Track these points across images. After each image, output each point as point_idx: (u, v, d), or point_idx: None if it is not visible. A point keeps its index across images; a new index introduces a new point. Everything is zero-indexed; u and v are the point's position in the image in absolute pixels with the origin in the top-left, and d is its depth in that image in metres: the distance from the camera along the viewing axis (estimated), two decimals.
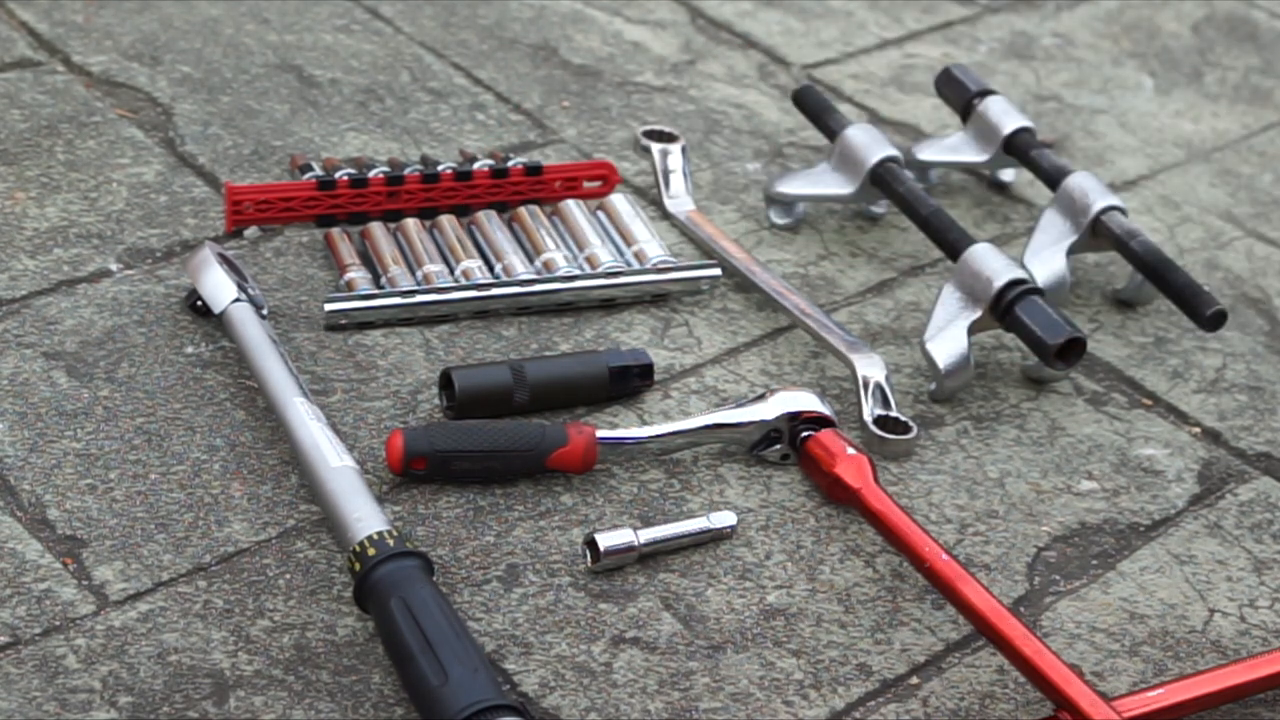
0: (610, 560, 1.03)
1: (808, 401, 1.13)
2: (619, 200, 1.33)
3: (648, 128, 1.44)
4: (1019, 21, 1.76)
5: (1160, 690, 0.97)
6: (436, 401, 1.14)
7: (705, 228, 1.33)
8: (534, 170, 1.32)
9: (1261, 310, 1.36)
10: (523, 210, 1.31)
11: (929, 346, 1.20)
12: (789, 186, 1.36)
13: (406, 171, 1.29)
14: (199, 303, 1.16)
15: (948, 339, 1.19)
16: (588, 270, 1.26)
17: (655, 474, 1.11)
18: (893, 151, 1.35)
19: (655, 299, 1.27)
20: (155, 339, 1.16)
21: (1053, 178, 1.36)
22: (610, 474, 1.10)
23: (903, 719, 0.96)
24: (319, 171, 1.28)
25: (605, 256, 1.27)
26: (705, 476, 1.12)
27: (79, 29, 1.50)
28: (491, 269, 1.25)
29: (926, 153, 1.43)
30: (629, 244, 1.29)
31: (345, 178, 1.27)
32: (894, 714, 0.97)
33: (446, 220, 1.28)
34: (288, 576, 1.00)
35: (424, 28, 1.58)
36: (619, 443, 1.10)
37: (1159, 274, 1.27)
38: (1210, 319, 1.23)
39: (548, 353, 1.20)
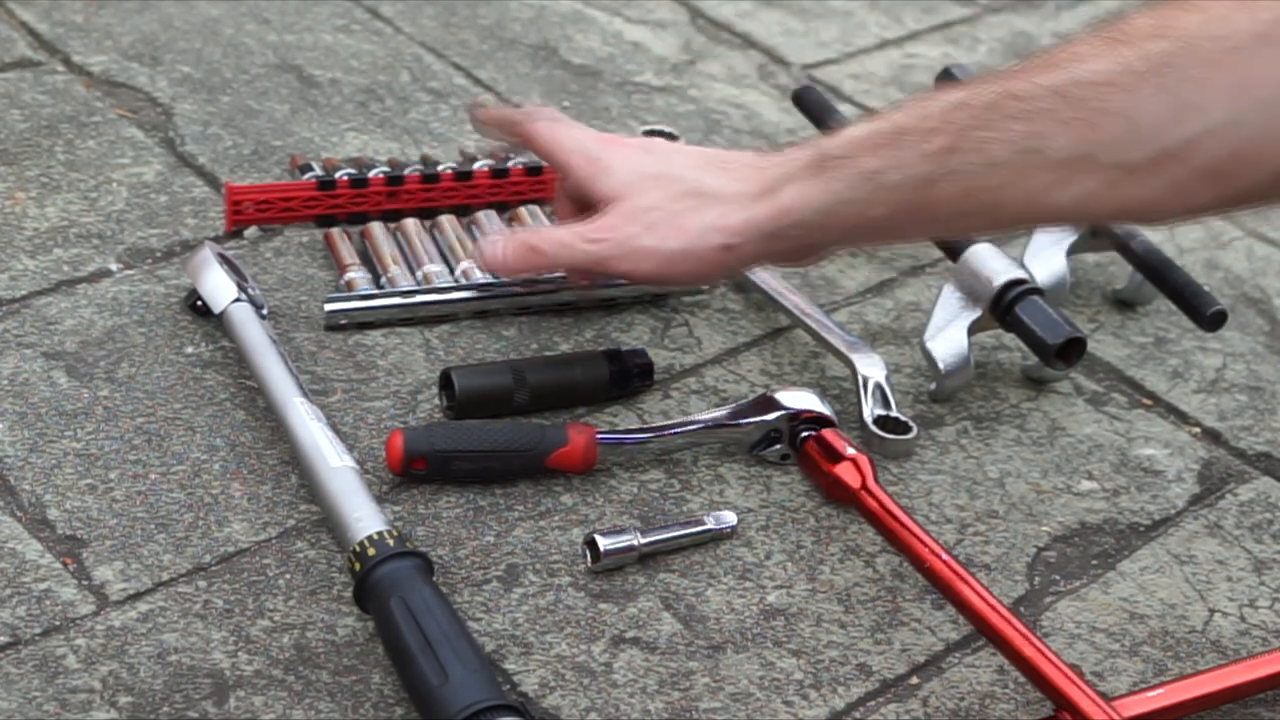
0: (610, 560, 1.03)
1: (808, 401, 1.13)
2: None
3: (648, 128, 1.44)
4: (1019, 21, 1.76)
5: (1160, 690, 0.97)
6: (436, 401, 1.14)
7: None
8: (534, 170, 1.32)
9: (1261, 310, 1.36)
10: (523, 210, 1.31)
11: (929, 346, 1.20)
12: None
13: (406, 171, 1.29)
14: (199, 303, 1.16)
15: (948, 339, 1.19)
16: None
17: (655, 474, 1.11)
18: None
19: (655, 299, 1.27)
20: (155, 339, 1.16)
21: None
22: (610, 474, 1.10)
23: (903, 719, 0.96)
24: (319, 171, 1.28)
25: None
26: (705, 476, 1.12)
27: (79, 29, 1.50)
28: None
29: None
30: None
31: (345, 178, 1.27)
32: (894, 714, 0.97)
33: (446, 220, 1.29)
34: (288, 576, 1.00)
35: (424, 28, 1.58)
36: (619, 443, 1.10)
37: (1159, 274, 1.27)
38: (1210, 319, 1.23)
39: (548, 353, 1.20)
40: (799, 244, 1.06)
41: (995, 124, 0.93)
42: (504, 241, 1.11)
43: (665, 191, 1.07)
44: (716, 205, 1.05)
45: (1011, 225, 1.11)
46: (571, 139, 1.14)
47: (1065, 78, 0.91)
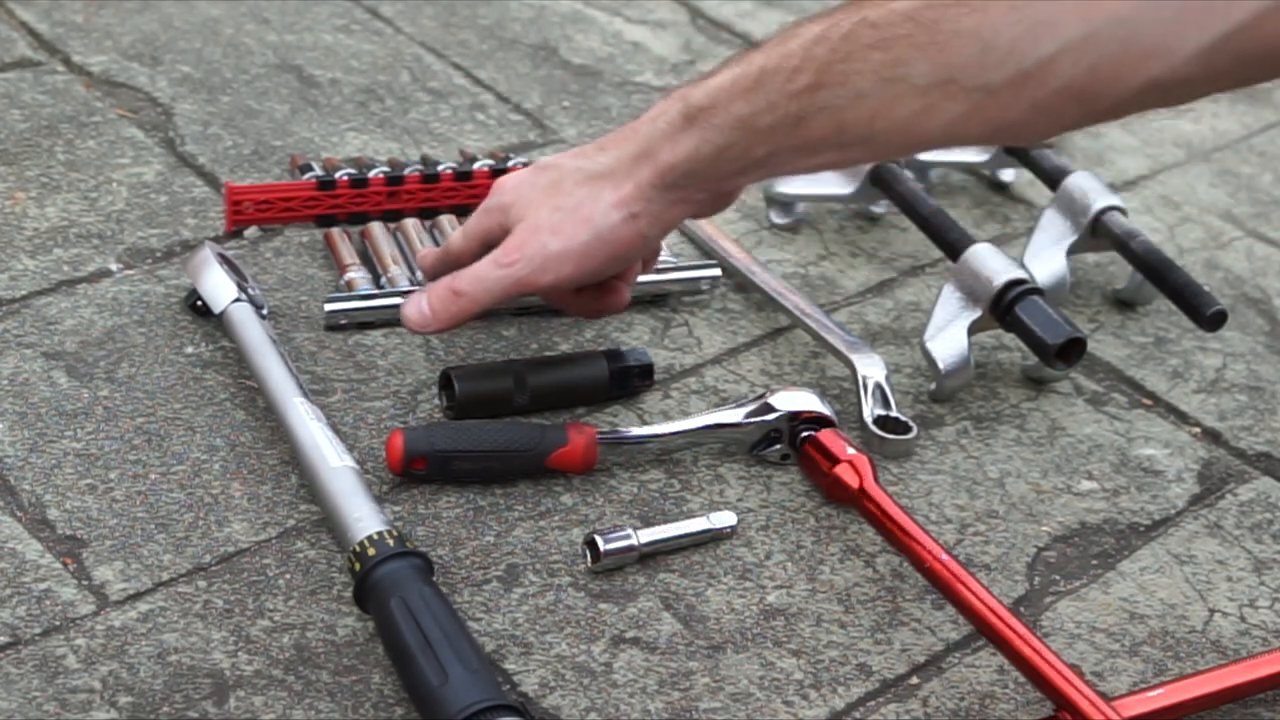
0: (610, 560, 1.03)
1: (808, 401, 1.13)
2: None
3: None
4: None
5: (1160, 690, 0.97)
6: (436, 401, 1.14)
7: (705, 228, 1.33)
8: None
9: (1261, 310, 1.36)
10: None
11: (929, 346, 1.20)
12: (789, 186, 1.36)
13: (406, 171, 1.29)
14: (199, 303, 1.16)
15: (948, 339, 1.19)
16: None
17: (655, 474, 1.11)
18: None
19: (655, 299, 1.27)
20: (155, 339, 1.16)
21: (1053, 178, 1.36)
22: (610, 474, 1.10)
23: (903, 719, 0.96)
24: (319, 171, 1.28)
25: None
26: (705, 476, 1.12)
27: (79, 29, 1.50)
28: None
29: (927, 153, 1.43)
30: None
31: (345, 178, 1.27)
32: (894, 714, 0.97)
33: (446, 220, 1.28)
34: (288, 576, 1.00)
35: (424, 28, 1.58)
36: (619, 443, 1.10)
37: (1159, 274, 1.27)
38: (1210, 319, 1.23)
39: (548, 353, 1.20)
40: (700, 191, 1.05)
41: (855, 55, 0.93)
42: (424, 297, 1.09)
43: (559, 193, 1.07)
44: (606, 183, 1.05)
45: (893, 154, 1.10)
46: (473, 216, 1.13)
47: (918, 1, 0.90)
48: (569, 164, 1.08)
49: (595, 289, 1.12)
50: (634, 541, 1.03)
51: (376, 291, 1.20)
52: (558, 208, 1.06)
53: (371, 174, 1.28)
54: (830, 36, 0.94)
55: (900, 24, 0.91)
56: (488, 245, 1.11)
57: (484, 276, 1.08)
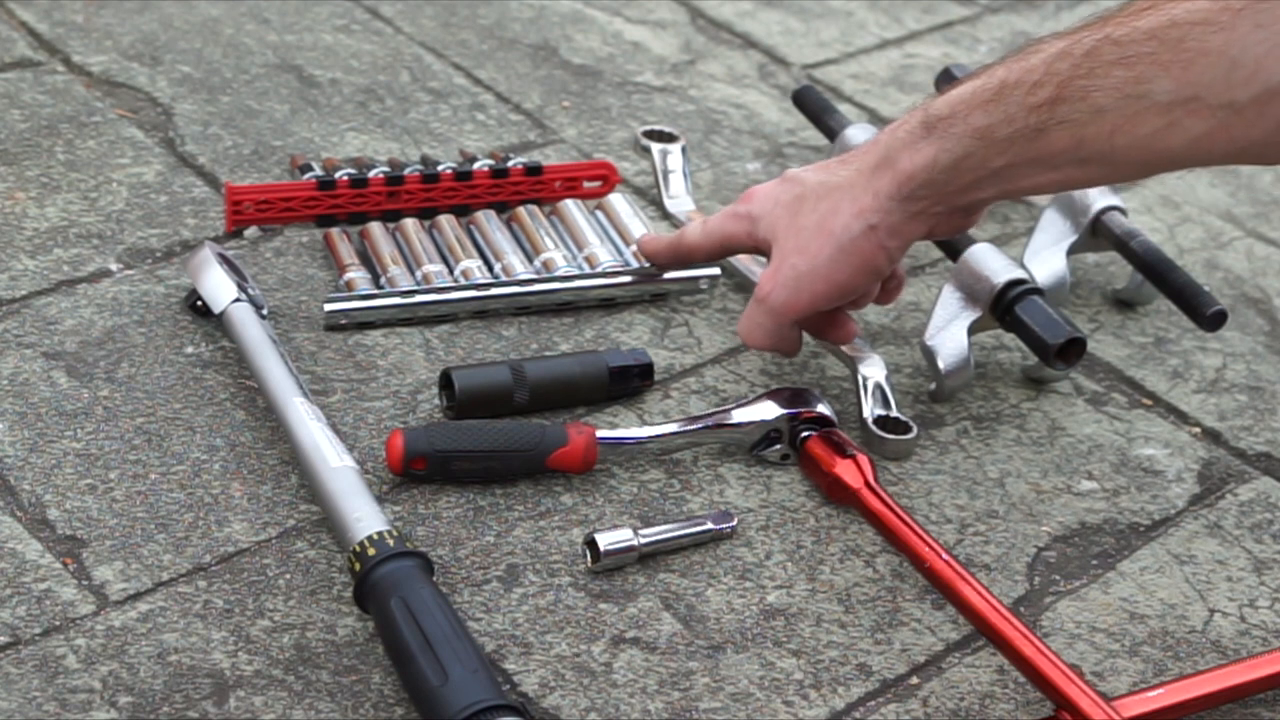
0: (610, 560, 1.03)
1: (807, 401, 1.13)
2: (618, 200, 1.33)
3: (648, 128, 1.44)
4: (1019, 21, 1.76)
5: (1160, 690, 0.98)
6: (436, 401, 1.14)
7: None
8: (534, 170, 1.32)
9: (1261, 310, 1.36)
10: (522, 210, 1.31)
11: (929, 346, 1.20)
12: None
13: (406, 171, 1.29)
14: (199, 303, 1.16)
15: (948, 339, 1.19)
16: (587, 270, 1.26)
17: (655, 474, 1.11)
18: None
19: (655, 299, 1.27)
20: (155, 339, 1.16)
21: None
22: (610, 474, 1.10)
23: (903, 719, 0.96)
24: (319, 171, 1.28)
25: (604, 256, 1.27)
26: (705, 476, 1.12)
27: (79, 29, 1.50)
28: (491, 269, 1.25)
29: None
30: (629, 244, 1.29)
31: (345, 178, 1.27)
32: (894, 714, 0.97)
33: (446, 220, 1.28)
34: (288, 576, 1.00)
35: (424, 28, 1.58)
36: (619, 443, 1.10)
37: (1159, 274, 1.27)
38: (1210, 319, 1.23)
39: (548, 353, 1.20)
40: (939, 204, 1.06)
41: (1097, 71, 0.94)
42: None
43: (802, 210, 1.09)
44: (845, 195, 1.07)
45: (1133, 172, 1.10)
46: (718, 216, 1.17)
47: (1163, 19, 0.91)
48: (811, 179, 1.10)
49: (827, 315, 1.15)
50: (634, 541, 1.03)
51: (376, 291, 1.20)
52: (801, 228, 1.09)
53: (371, 174, 1.28)
54: (1073, 52, 0.95)
55: (1144, 42, 0.92)
56: (725, 248, 1.16)
57: (752, 316, 1.13)
